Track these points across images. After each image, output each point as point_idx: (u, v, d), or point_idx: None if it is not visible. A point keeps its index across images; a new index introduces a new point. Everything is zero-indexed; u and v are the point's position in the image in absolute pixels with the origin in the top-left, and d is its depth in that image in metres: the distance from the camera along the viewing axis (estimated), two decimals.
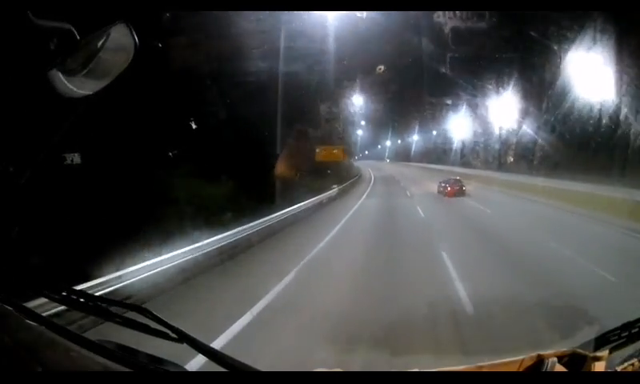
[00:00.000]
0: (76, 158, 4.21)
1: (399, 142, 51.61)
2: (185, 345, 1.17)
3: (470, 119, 27.83)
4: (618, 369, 1.20)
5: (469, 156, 29.91)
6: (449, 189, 18.40)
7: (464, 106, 27.05)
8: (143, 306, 1.23)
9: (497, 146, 25.60)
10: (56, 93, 1.17)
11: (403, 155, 49.24)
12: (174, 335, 1.18)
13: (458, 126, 29.74)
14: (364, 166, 40.54)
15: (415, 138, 43.09)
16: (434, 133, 35.67)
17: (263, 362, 3.65)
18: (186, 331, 1.15)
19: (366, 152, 59.35)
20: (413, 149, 44.29)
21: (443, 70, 20.39)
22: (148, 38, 6.75)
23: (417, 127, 39.81)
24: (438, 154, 35.31)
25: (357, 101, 25.35)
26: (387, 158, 55.33)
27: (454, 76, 21.22)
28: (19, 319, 1.21)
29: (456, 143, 31.01)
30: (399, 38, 18.37)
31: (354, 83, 21.80)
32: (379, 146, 57.97)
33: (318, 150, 19.38)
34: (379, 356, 3.81)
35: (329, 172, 21.63)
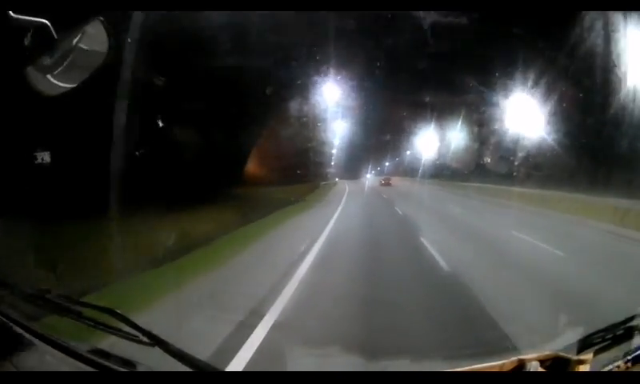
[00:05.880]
0: (46, 157, 4.00)
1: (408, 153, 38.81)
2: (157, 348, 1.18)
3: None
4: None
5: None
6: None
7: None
8: None
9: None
10: (33, 90, 1.14)
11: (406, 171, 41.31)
12: (145, 338, 1.20)
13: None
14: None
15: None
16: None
17: None
18: None
19: (372, 171, 50.56)
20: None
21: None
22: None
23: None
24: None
25: (334, 100, 23.45)
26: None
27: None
28: None
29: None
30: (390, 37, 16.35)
31: (333, 81, 20.49)
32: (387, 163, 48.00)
33: None
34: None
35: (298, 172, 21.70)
